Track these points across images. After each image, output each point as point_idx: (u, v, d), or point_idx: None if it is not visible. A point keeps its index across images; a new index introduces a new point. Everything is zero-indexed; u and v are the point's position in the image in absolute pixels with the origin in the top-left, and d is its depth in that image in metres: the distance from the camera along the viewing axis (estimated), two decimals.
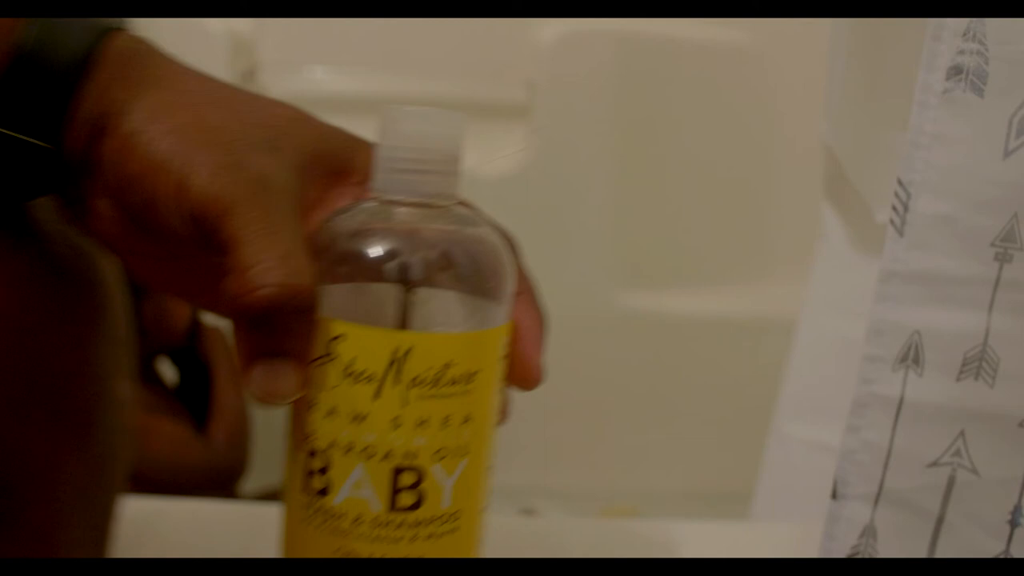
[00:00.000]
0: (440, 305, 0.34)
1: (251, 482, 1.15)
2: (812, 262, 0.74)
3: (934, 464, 0.46)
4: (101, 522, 0.40)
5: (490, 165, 1.29)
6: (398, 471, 0.32)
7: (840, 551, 0.46)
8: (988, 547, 0.44)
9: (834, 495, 0.48)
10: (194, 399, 0.95)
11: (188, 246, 0.33)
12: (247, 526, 0.58)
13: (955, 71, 0.41)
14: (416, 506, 0.33)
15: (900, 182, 0.43)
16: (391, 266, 0.33)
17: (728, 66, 1.27)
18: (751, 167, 1.30)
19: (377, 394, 0.32)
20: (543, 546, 0.64)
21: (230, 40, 1.23)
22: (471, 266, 0.34)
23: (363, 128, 1.33)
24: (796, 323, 0.78)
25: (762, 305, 1.28)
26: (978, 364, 0.45)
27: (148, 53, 0.37)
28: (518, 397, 1.35)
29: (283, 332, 0.32)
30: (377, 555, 0.33)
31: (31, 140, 0.32)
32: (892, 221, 0.44)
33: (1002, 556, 0.44)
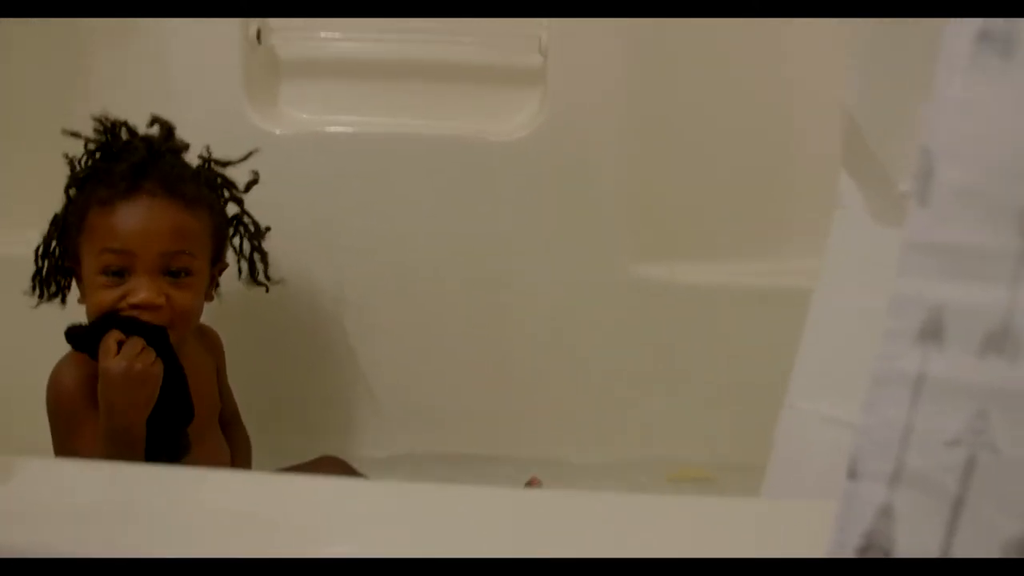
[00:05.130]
0: None
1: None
2: (828, 233, 0.72)
3: (954, 442, 0.44)
4: None
5: (503, 130, 1.27)
6: None
7: (855, 533, 0.45)
8: (1009, 529, 0.43)
9: (851, 474, 0.46)
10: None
11: None
12: None
13: (983, 35, 0.39)
14: None
15: (923, 150, 0.42)
16: None
17: (745, 33, 1.24)
18: (767, 136, 1.28)
19: None
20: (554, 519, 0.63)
21: None
22: None
23: (375, 94, 1.32)
24: (812, 294, 0.76)
25: (778, 277, 1.26)
26: (1002, 340, 0.43)
27: None
28: (533, 367, 1.36)
29: None
30: None
31: None
32: (914, 191, 0.42)
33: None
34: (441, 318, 1.31)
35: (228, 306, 1.11)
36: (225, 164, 1.05)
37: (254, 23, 1.23)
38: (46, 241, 1.00)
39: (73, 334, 0.91)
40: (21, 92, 1.28)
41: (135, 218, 0.92)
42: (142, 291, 0.91)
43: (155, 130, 1.00)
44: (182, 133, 1.03)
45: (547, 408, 1.34)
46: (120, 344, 0.87)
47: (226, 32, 1.22)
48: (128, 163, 0.94)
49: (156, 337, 0.90)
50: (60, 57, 1.27)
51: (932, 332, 0.44)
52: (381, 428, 1.34)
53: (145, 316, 0.91)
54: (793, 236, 1.30)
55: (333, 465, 1.16)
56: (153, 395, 0.88)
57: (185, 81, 1.24)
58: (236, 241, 1.09)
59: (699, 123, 1.27)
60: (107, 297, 0.91)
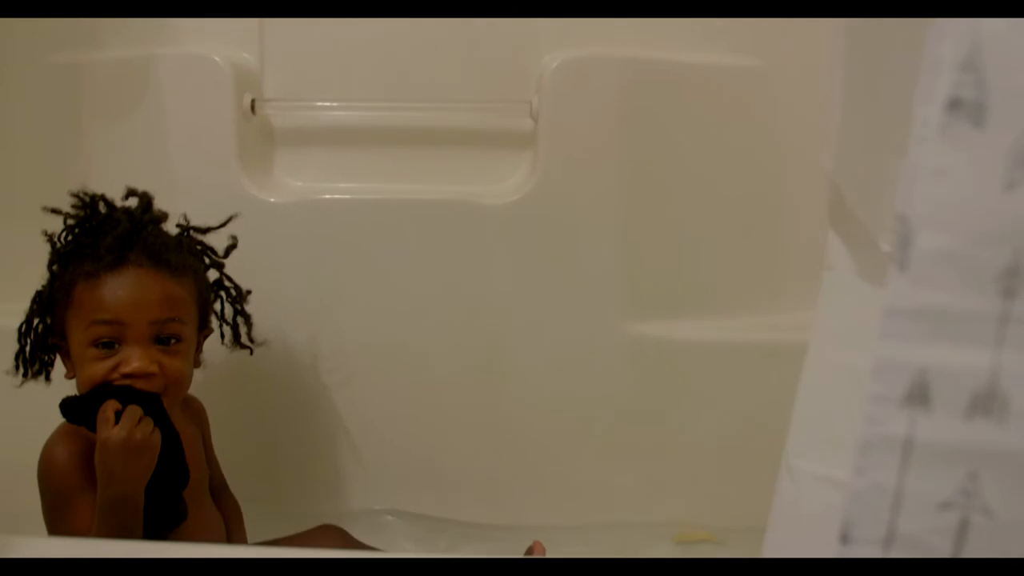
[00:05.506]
0: None
1: None
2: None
3: (946, 505, 0.44)
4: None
5: (496, 194, 1.28)
6: None
7: None
8: None
9: (843, 539, 0.46)
10: None
11: None
12: None
13: (953, 104, 0.40)
14: None
15: (901, 217, 0.42)
16: None
17: (734, 91, 1.26)
18: (759, 193, 1.29)
19: None
20: None
21: (234, 72, 1.23)
22: None
23: (368, 161, 1.34)
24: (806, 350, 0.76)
25: (776, 332, 1.26)
26: (989, 402, 0.43)
27: None
28: (531, 429, 1.35)
29: None
30: None
31: None
32: (893, 256, 0.43)
33: None
34: (437, 382, 1.31)
35: (219, 373, 1.11)
36: (205, 230, 1.07)
37: (248, 94, 1.25)
38: (28, 319, 1.00)
39: (69, 406, 0.90)
40: (19, 163, 1.30)
41: (123, 289, 0.93)
42: (135, 360, 0.91)
43: (131, 202, 1.01)
44: (178, 203, 1.05)
45: (547, 471, 1.33)
46: (118, 414, 0.87)
47: (221, 103, 1.24)
48: (112, 236, 0.94)
49: (151, 404, 0.90)
50: (56, 128, 1.29)
51: (918, 396, 0.44)
52: (375, 492, 1.34)
53: (139, 384, 0.91)
54: (789, 290, 1.30)
55: (332, 534, 1.15)
56: (152, 463, 0.88)
57: (181, 152, 1.25)
58: (217, 306, 1.10)
59: (690, 181, 1.29)
60: (100, 369, 0.91)
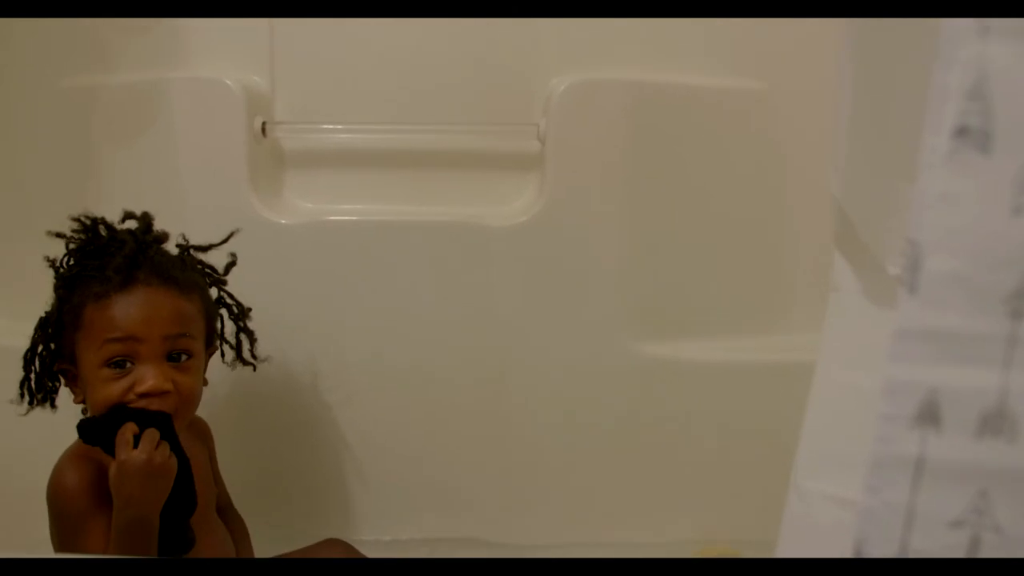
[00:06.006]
0: None
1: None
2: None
3: (957, 523, 0.45)
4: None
5: (504, 216, 1.29)
6: None
7: None
8: None
9: (856, 556, 0.47)
10: None
11: None
12: None
13: (960, 131, 0.41)
14: None
15: (910, 241, 0.43)
16: None
17: (740, 113, 1.27)
18: (765, 214, 1.30)
19: None
20: None
21: (246, 95, 1.25)
22: None
23: (378, 183, 1.35)
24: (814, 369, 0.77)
25: (784, 352, 1.27)
26: (998, 421, 0.44)
27: None
28: (542, 449, 1.35)
29: None
30: None
31: None
32: (903, 279, 0.44)
33: None
34: (445, 402, 1.31)
35: (225, 392, 1.12)
36: (206, 248, 1.08)
37: (259, 117, 1.26)
38: (33, 345, 1.00)
39: (86, 428, 0.91)
40: (32, 185, 1.31)
41: (135, 307, 0.93)
42: (150, 378, 0.91)
43: (130, 224, 1.01)
44: (190, 225, 1.06)
45: (556, 490, 1.33)
46: (136, 436, 0.88)
47: (232, 126, 1.25)
48: (120, 256, 0.95)
49: (165, 428, 0.90)
50: (69, 151, 1.30)
51: (929, 415, 0.45)
52: (384, 512, 1.34)
53: (154, 404, 0.92)
54: (794, 310, 1.31)
55: (336, 548, 1.16)
56: (168, 487, 0.89)
57: (193, 174, 1.27)
58: (218, 325, 1.10)
59: (696, 203, 1.30)
60: (114, 389, 0.92)
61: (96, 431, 0.90)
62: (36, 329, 1.00)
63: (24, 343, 1.00)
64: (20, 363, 0.99)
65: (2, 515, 1.18)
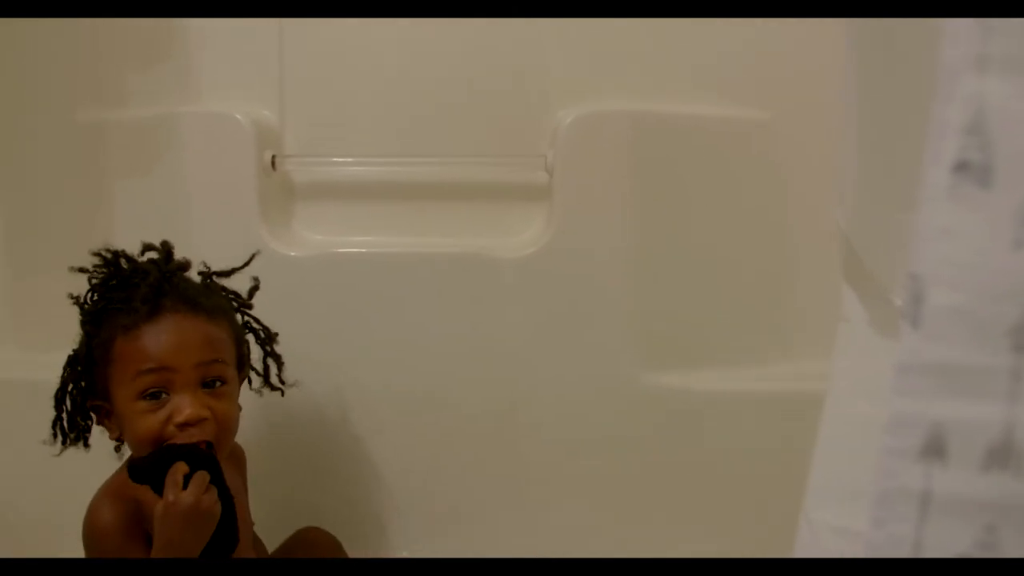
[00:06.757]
0: None
1: None
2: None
3: (963, 558, 0.45)
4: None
5: (512, 247, 1.30)
6: None
7: None
8: None
9: None
10: None
11: None
12: None
13: (960, 166, 0.41)
14: None
15: (912, 275, 0.43)
16: None
17: (745, 143, 1.28)
18: (772, 244, 1.31)
19: None
20: None
21: (255, 129, 1.26)
22: None
23: (387, 215, 1.35)
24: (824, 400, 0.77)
25: (788, 382, 1.27)
26: (1005, 455, 0.44)
27: None
28: (550, 477, 1.34)
29: None
30: None
31: None
32: (905, 313, 0.44)
33: None
34: (456, 433, 1.31)
35: (243, 425, 1.12)
36: (228, 273, 1.07)
37: (269, 151, 1.27)
38: (64, 384, 0.98)
39: (136, 468, 0.89)
40: (45, 219, 1.32)
41: (165, 335, 0.92)
42: (186, 407, 0.91)
43: (151, 254, 1.01)
44: (201, 258, 1.06)
45: (567, 521, 1.33)
46: (186, 477, 0.87)
47: (242, 160, 1.26)
48: (145, 286, 0.94)
49: (212, 468, 0.89)
50: (81, 185, 1.31)
51: (935, 449, 0.45)
52: (398, 534, 1.34)
53: (193, 432, 0.90)
54: (802, 340, 1.31)
55: (317, 536, 1.17)
56: (211, 532, 0.88)
57: (203, 207, 1.28)
58: (244, 350, 1.10)
59: (702, 233, 1.30)
60: (152, 422, 0.90)
61: (146, 471, 0.89)
62: (65, 367, 0.99)
63: (41, 375, 1.00)
64: (38, 396, 0.99)
65: (40, 551, 1.18)
